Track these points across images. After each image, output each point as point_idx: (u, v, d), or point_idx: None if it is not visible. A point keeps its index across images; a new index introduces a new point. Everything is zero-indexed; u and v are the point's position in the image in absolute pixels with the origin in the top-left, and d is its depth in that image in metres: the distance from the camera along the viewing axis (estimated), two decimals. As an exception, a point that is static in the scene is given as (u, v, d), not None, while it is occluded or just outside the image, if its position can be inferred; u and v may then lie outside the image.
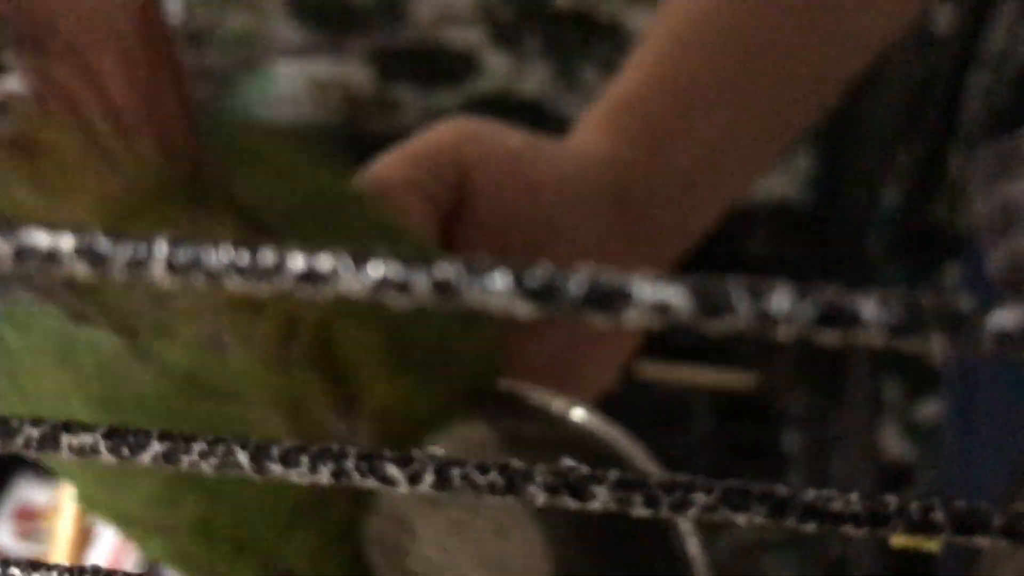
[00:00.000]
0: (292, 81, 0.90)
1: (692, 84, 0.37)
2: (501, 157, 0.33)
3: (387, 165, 0.32)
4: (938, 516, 0.10)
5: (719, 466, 0.88)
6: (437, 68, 0.89)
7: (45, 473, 0.78)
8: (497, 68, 0.88)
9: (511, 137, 0.34)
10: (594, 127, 0.37)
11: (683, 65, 0.38)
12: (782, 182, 0.88)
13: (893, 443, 0.82)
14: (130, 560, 0.73)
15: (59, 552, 0.76)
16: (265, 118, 0.91)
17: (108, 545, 0.75)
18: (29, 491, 0.84)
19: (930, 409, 0.82)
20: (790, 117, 0.40)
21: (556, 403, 0.28)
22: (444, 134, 0.33)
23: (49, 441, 0.12)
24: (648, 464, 0.27)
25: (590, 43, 0.83)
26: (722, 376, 0.86)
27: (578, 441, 0.28)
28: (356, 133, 0.91)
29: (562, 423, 0.28)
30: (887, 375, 0.84)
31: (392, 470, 0.11)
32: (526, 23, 0.85)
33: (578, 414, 0.28)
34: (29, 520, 0.84)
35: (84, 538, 0.76)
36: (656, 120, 0.37)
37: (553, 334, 0.33)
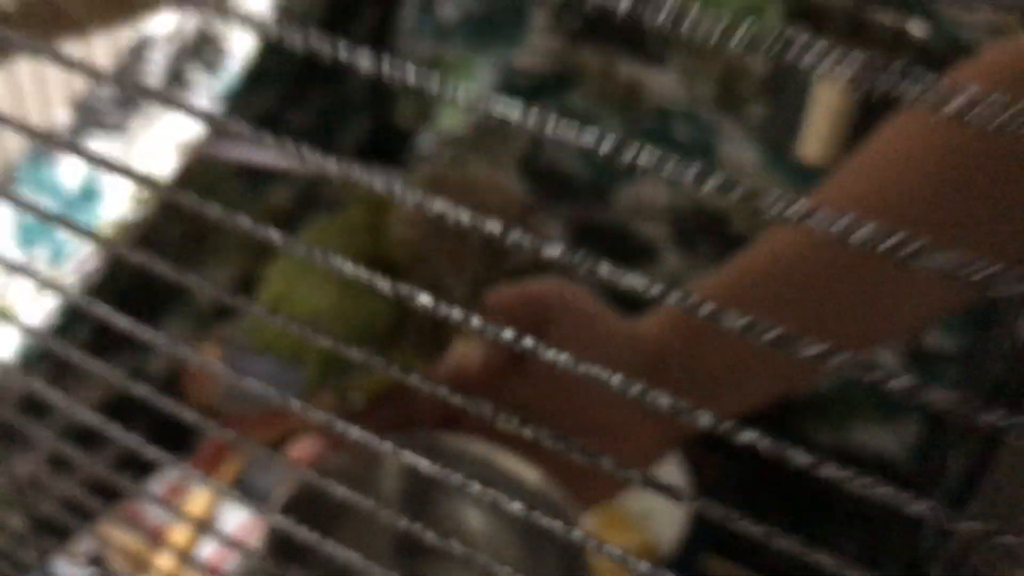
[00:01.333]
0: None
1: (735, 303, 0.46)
2: (579, 312, 0.44)
3: (502, 291, 0.43)
4: None
5: None
6: (622, 249, 1.04)
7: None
8: (671, 262, 1.02)
9: (592, 303, 0.45)
10: (659, 313, 0.47)
11: (736, 289, 0.47)
12: (889, 440, 0.96)
13: None
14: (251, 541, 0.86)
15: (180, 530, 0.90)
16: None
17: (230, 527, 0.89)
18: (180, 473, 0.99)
19: None
20: (785, 373, 0.46)
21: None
22: (549, 285, 0.45)
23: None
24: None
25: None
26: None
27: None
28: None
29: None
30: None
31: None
32: (705, 233, 0.99)
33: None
34: (174, 497, 0.99)
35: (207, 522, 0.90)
36: (696, 323, 0.44)
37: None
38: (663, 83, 0.91)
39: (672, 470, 0.90)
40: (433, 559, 0.39)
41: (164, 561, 0.77)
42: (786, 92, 0.79)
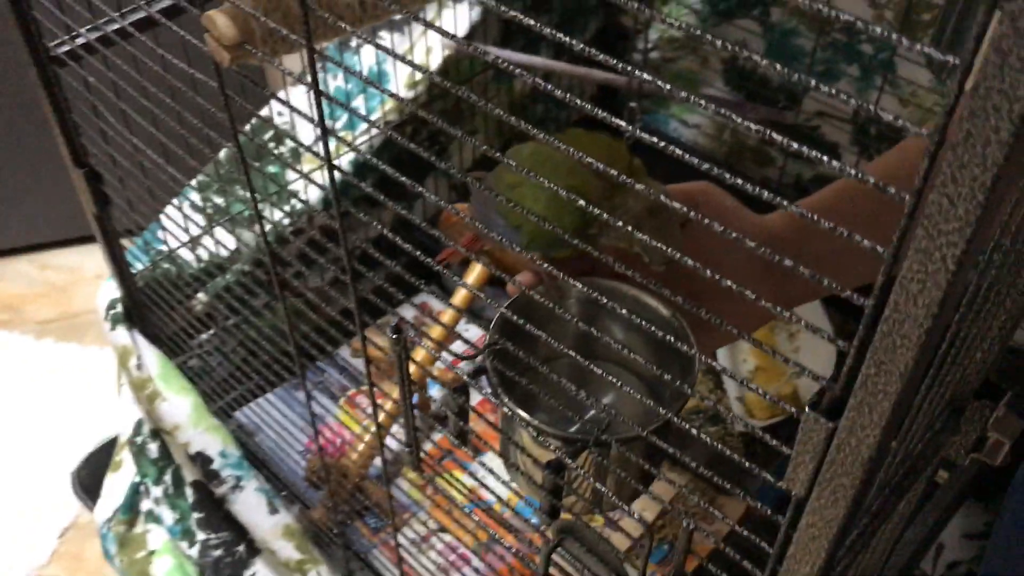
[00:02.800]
0: (703, 117, 1.25)
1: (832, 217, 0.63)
2: (718, 204, 0.59)
3: (673, 186, 0.59)
4: None
5: None
6: (811, 145, 1.19)
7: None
8: (850, 163, 1.17)
9: (730, 198, 0.61)
10: (783, 212, 0.63)
11: (828, 204, 0.63)
12: None
13: None
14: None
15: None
16: (671, 134, 1.27)
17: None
18: (431, 299, 1.24)
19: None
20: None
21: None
22: (698, 184, 0.60)
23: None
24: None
25: None
26: None
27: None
28: (731, 170, 1.23)
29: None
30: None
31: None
32: (882, 140, 1.12)
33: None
34: (423, 313, 1.25)
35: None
36: (807, 222, 0.63)
37: None
38: (854, 4, 1.04)
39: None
40: (596, 359, 0.60)
41: (436, 333, 1.03)
42: (956, 27, 0.91)
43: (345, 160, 1.06)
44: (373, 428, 1.02)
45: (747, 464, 0.40)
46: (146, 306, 0.96)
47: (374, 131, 1.09)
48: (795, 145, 0.33)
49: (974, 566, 1.00)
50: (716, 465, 0.98)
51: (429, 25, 0.41)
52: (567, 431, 0.56)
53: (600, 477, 0.58)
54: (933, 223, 0.28)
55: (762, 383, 1.05)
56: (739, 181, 0.36)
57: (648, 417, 0.56)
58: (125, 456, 1.02)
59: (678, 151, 0.36)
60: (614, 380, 0.48)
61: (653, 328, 0.44)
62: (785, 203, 0.35)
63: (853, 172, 0.31)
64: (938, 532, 0.99)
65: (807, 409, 0.38)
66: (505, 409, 0.56)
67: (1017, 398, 0.52)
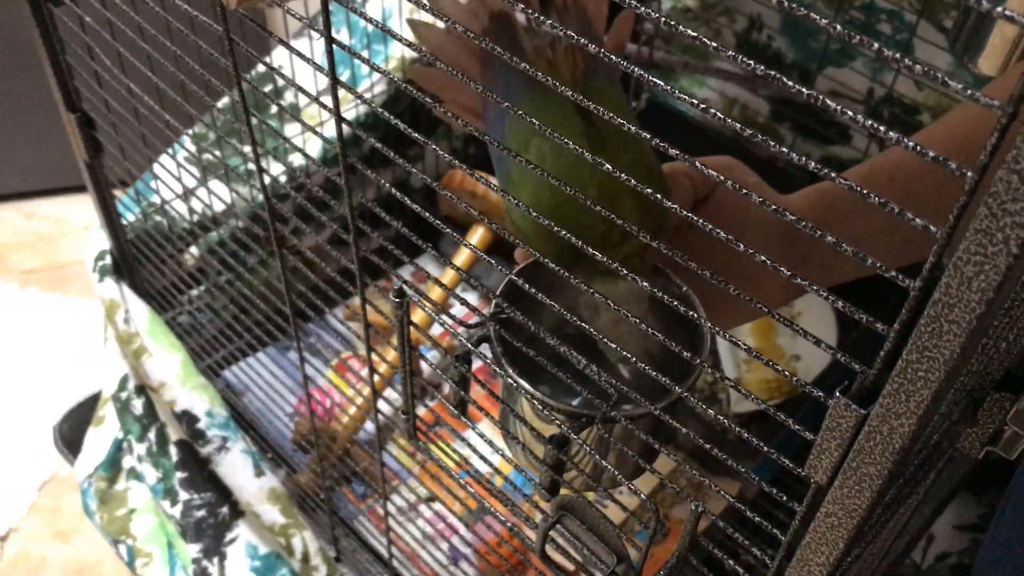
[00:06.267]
0: (712, 92, 1.22)
1: (855, 202, 0.58)
2: (741, 180, 0.54)
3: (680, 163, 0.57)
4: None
5: None
6: (818, 127, 1.17)
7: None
8: (860, 145, 1.14)
9: (753, 176, 0.56)
10: (805, 193, 0.61)
11: (869, 180, 0.60)
12: None
13: None
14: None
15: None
16: (676, 108, 1.24)
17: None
18: (428, 264, 1.22)
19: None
20: (895, 251, 0.58)
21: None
22: (721, 159, 0.56)
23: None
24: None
25: None
26: None
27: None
28: (740, 147, 1.21)
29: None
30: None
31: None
32: (897, 122, 1.10)
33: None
34: (419, 281, 1.23)
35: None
36: (830, 205, 0.57)
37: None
38: (873, -17, 1.01)
39: (828, 322, 1.06)
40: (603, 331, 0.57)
41: (435, 295, 1.00)
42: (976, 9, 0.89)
43: (348, 116, 1.03)
44: (366, 391, 1.00)
45: (757, 442, 0.38)
46: (136, 259, 0.93)
47: (378, 88, 1.06)
48: (835, 104, 0.30)
49: (964, 557, 0.99)
50: (712, 443, 0.97)
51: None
52: (571, 404, 0.54)
53: (603, 453, 0.56)
54: (998, 201, 0.26)
55: (760, 365, 1.03)
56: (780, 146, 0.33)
57: (655, 393, 0.54)
58: (108, 411, 1.00)
59: (693, 102, 0.34)
60: (625, 354, 0.46)
61: (665, 297, 0.42)
62: (828, 172, 0.32)
63: (911, 144, 0.29)
64: (931, 522, 0.98)
65: (837, 394, 0.36)
66: (509, 380, 0.54)
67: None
